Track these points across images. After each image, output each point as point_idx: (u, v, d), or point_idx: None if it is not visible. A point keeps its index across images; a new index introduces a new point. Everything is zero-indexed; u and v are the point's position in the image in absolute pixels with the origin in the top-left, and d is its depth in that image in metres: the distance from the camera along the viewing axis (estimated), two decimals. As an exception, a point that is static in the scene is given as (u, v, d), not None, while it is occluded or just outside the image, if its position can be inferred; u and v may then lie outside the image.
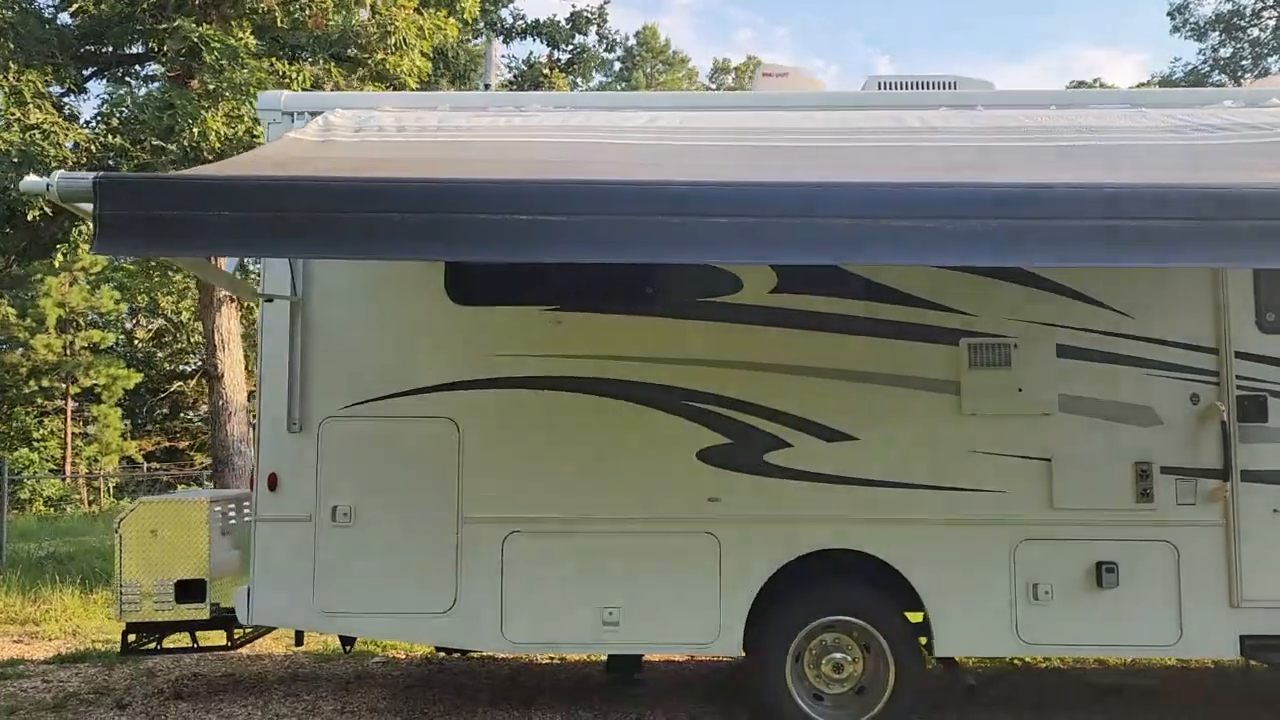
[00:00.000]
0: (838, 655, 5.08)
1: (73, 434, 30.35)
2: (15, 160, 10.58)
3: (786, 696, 5.03)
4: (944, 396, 5.08)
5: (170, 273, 21.48)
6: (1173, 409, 5.02)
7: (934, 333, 5.10)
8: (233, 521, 5.74)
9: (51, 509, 25.26)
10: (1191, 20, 29.59)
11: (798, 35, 75.91)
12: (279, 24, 11.95)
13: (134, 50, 13.39)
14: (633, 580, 5.04)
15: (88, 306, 30.18)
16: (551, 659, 6.90)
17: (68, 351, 29.68)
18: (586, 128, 4.96)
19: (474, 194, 3.32)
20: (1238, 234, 3.35)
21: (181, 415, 33.60)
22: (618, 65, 41.23)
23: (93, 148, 11.25)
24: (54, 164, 10.58)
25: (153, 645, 5.83)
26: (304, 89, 11.17)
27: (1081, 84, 33.19)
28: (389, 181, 3.42)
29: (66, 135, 11.22)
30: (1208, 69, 28.87)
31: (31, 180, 3.49)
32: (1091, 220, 3.35)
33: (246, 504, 5.82)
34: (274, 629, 6.02)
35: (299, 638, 6.05)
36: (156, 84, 13.04)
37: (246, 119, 11.04)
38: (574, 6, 18.46)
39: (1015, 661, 6.69)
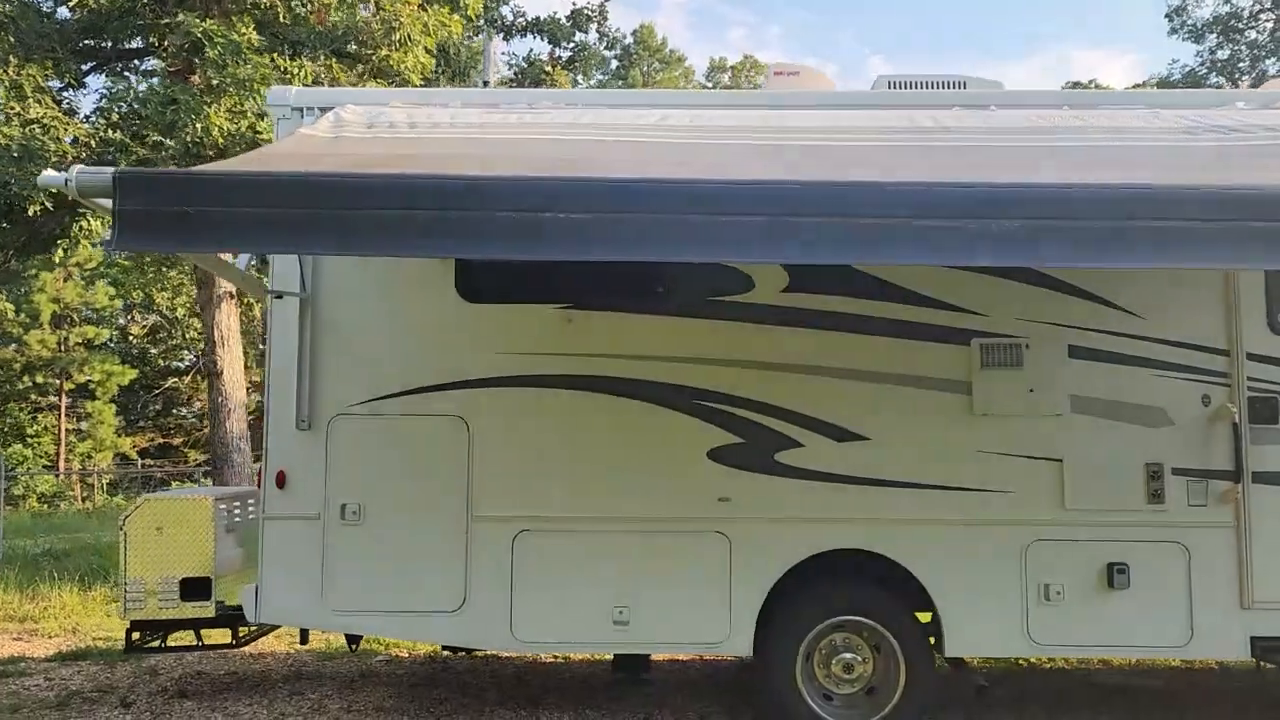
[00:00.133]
0: (848, 655, 5.07)
1: (66, 430, 30.28)
2: (15, 155, 10.52)
3: (797, 697, 5.01)
4: (955, 397, 5.07)
5: (165, 268, 21.29)
6: (1184, 410, 5.02)
7: (945, 333, 5.10)
8: (237, 519, 5.71)
9: (45, 505, 25.15)
10: (1189, 23, 29.64)
11: (791, 34, 76.05)
12: (281, 19, 11.89)
13: (133, 45, 13.34)
14: (643, 579, 5.02)
15: (82, 302, 30.10)
16: (556, 658, 6.88)
17: (62, 347, 29.63)
18: (599, 125, 4.92)
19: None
20: (1256, 235, 3.35)
21: (175, 411, 33.52)
22: (615, 64, 41.16)
23: (92, 142, 11.19)
24: (54, 159, 10.54)
25: (157, 643, 5.80)
26: (304, 85, 11.10)
27: (1077, 85, 33.22)
28: (421, 178, 3.37)
29: (66, 130, 11.16)
30: (1205, 71, 28.93)
31: (50, 175, 3.45)
32: (1111, 221, 3.35)
33: (251, 501, 5.80)
34: (278, 627, 5.99)
35: (304, 636, 6.04)
36: (156, 79, 12.97)
37: (250, 114, 10.99)
38: (575, 4, 18.48)
39: (1021, 662, 6.69)
